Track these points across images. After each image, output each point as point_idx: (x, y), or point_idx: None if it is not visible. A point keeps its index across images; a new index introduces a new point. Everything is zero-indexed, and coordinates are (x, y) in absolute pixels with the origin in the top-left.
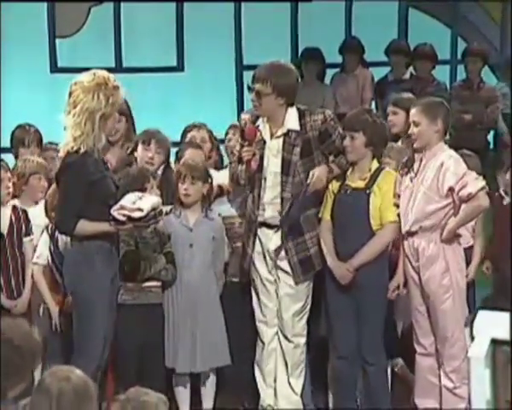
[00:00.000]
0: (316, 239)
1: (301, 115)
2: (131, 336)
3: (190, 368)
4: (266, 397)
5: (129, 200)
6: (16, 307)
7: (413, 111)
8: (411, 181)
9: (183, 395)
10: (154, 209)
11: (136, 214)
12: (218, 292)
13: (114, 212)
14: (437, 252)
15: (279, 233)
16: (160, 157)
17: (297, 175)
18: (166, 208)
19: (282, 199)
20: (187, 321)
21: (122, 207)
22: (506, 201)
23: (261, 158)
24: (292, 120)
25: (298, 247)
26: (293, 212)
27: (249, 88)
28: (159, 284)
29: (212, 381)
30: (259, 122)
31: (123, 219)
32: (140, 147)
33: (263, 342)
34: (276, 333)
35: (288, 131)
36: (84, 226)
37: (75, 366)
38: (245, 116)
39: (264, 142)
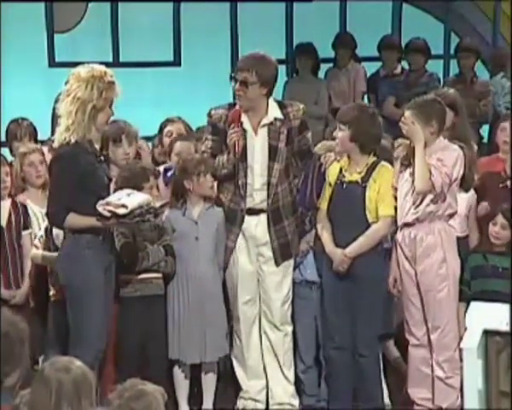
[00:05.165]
0: (292, 227)
1: (282, 106)
2: (133, 328)
3: (200, 358)
4: (250, 388)
5: (116, 196)
6: (15, 299)
7: (407, 114)
8: (410, 175)
9: (183, 387)
10: (140, 207)
11: (120, 211)
12: (221, 282)
13: (100, 207)
14: (435, 242)
15: (263, 219)
16: (133, 149)
17: (282, 161)
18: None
19: (269, 185)
20: (195, 312)
21: (107, 203)
22: None
23: (244, 148)
24: (275, 109)
25: (278, 232)
26: (277, 198)
27: (233, 78)
28: (159, 275)
29: (212, 377)
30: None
31: (108, 214)
32: (111, 145)
33: (241, 336)
34: (258, 326)
35: (274, 119)
36: (74, 220)
37: (73, 356)
38: (215, 112)
39: (245, 131)
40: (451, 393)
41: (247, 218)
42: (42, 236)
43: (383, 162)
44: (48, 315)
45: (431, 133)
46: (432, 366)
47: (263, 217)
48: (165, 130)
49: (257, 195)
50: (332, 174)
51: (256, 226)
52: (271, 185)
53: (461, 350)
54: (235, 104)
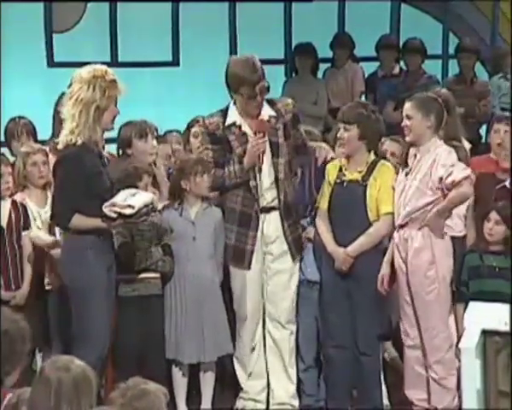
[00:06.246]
0: (299, 221)
1: (271, 103)
2: (131, 327)
3: (199, 358)
4: (251, 388)
5: (121, 197)
6: (15, 299)
7: (407, 105)
8: (406, 176)
9: (181, 387)
10: (146, 206)
11: (127, 211)
12: (219, 282)
13: (106, 209)
14: (424, 243)
15: (275, 216)
16: (155, 143)
17: (284, 156)
18: (158, 205)
19: (278, 181)
20: (193, 313)
21: (113, 204)
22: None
23: (245, 152)
24: (266, 107)
25: (291, 227)
26: (286, 193)
27: (260, 92)
28: (157, 275)
29: (210, 377)
30: (232, 119)
31: (114, 215)
32: (137, 142)
33: (245, 337)
34: (263, 326)
35: (269, 116)
36: (79, 221)
37: (76, 357)
38: (211, 120)
39: (245, 134)
40: (446, 394)
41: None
42: (46, 219)
43: (383, 161)
44: (47, 308)
45: (427, 127)
46: (426, 367)
47: (273, 215)
48: (193, 130)
49: (267, 194)
50: (331, 173)
51: (265, 224)
52: (280, 181)
53: (458, 351)
54: (226, 110)
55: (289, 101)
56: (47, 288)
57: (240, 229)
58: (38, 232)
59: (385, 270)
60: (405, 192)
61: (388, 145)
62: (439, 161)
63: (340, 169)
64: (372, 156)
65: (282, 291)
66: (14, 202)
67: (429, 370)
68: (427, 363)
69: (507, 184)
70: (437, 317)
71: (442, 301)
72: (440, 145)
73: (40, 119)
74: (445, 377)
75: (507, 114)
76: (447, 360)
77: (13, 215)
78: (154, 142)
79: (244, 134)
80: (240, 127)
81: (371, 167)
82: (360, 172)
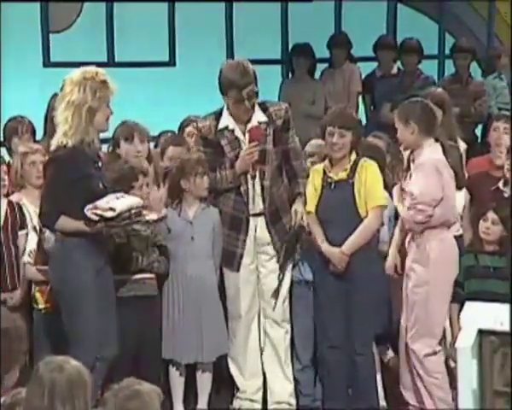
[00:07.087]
0: (290, 225)
1: (264, 108)
2: (127, 328)
3: (197, 358)
4: (247, 388)
5: (104, 200)
6: (12, 300)
7: (394, 115)
8: (404, 180)
9: (177, 387)
10: (129, 210)
11: (108, 214)
12: (217, 282)
13: (88, 211)
14: (418, 243)
15: (264, 220)
16: (145, 146)
17: (272, 162)
18: (153, 216)
19: (263, 188)
20: (191, 313)
21: (95, 207)
22: (506, 194)
23: (237, 157)
24: (258, 112)
25: (279, 233)
26: (273, 198)
27: (250, 96)
28: (152, 275)
29: (208, 377)
30: (225, 123)
31: (95, 218)
32: (123, 143)
33: (239, 336)
34: (258, 326)
35: (259, 122)
36: (65, 222)
37: (73, 357)
38: (204, 124)
39: (237, 139)
40: (427, 395)
41: (251, 219)
42: (31, 251)
43: (365, 158)
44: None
45: (410, 133)
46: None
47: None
48: (187, 130)
49: (258, 199)
50: (316, 177)
51: (258, 227)
52: (266, 188)
53: (454, 351)
54: (220, 113)
55: (283, 106)
56: (42, 311)
57: (230, 232)
58: (31, 269)
59: (392, 257)
60: (403, 199)
61: (371, 142)
62: (416, 176)
63: (324, 172)
64: (354, 155)
65: (275, 290)
66: (10, 202)
67: (413, 371)
68: (411, 363)
69: (500, 185)
70: (420, 319)
71: (430, 304)
72: (429, 152)
73: (36, 119)
74: (428, 381)
75: (506, 113)
76: (427, 365)
77: (9, 215)
78: (142, 146)
79: (236, 139)
80: (232, 131)
81: (354, 166)
82: (345, 170)
